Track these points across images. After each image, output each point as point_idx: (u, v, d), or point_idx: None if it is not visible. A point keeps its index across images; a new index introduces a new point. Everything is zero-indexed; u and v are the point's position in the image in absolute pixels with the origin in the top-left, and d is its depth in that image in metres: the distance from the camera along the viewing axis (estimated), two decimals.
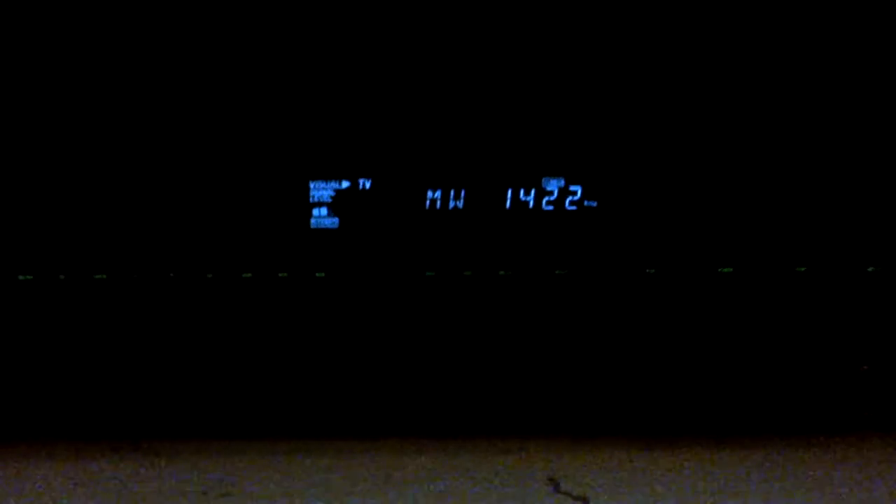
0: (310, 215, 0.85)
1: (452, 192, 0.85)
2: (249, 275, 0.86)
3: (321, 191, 0.85)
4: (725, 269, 0.87)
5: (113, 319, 0.86)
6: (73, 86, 0.82)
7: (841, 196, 0.86)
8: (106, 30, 0.82)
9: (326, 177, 0.85)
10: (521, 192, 0.85)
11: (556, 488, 0.84)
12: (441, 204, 0.85)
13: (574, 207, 0.86)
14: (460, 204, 0.85)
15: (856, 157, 0.85)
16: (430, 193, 0.85)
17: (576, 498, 0.83)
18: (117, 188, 0.84)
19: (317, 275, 0.86)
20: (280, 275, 0.86)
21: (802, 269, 0.87)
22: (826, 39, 0.84)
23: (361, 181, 0.85)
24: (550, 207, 0.86)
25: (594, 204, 0.86)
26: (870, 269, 0.87)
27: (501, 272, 0.86)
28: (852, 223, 0.86)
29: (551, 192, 0.85)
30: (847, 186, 0.85)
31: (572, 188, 0.85)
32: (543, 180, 0.85)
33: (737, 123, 0.84)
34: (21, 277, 0.85)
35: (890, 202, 0.86)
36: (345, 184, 0.85)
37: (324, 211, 0.85)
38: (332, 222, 0.85)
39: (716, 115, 0.84)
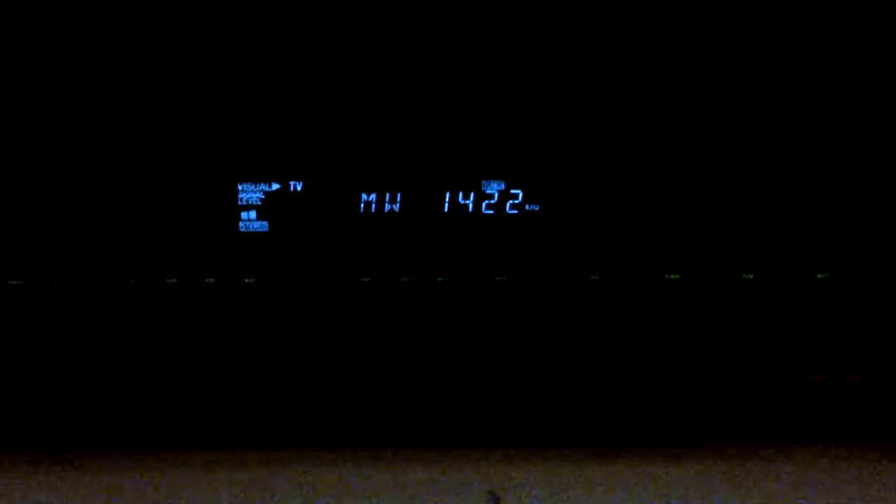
0: (238, 219, 0.81)
1: (388, 195, 0.82)
2: (174, 280, 0.82)
3: (250, 193, 0.81)
4: (672, 276, 0.84)
5: (31, 327, 0.81)
6: None
7: (792, 201, 0.83)
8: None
9: (255, 179, 0.81)
10: (460, 195, 0.82)
11: (497, 502, 0.81)
12: (376, 207, 0.82)
13: (515, 211, 0.82)
14: (396, 207, 0.82)
15: (806, 161, 0.82)
16: (364, 196, 0.82)
17: None
18: (28, 190, 0.79)
19: (246, 280, 0.82)
20: (207, 280, 0.82)
21: (750, 276, 0.84)
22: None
23: (293, 183, 0.81)
24: (491, 211, 0.82)
25: (536, 208, 0.82)
26: (819, 277, 0.84)
27: (439, 278, 0.83)
28: (802, 229, 0.83)
29: (491, 196, 0.82)
30: (797, 191, 0.83)
31: (513, 191, 0.82)
32: (483, 183, 0.82)
33: (687, 122, 0.81)
34: None
35: (836, 208, 0.83)
36: (275, 186, 0.81)
37: (253, 214, 0.81)
38: (262, 226, 0.82)
39: (665, 113, 0.81)
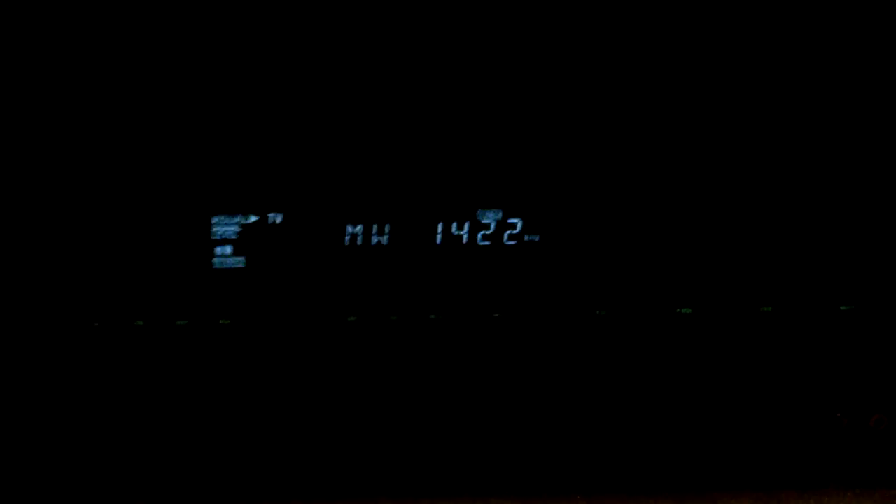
0: (212, 254, 0.74)
1: (375, 227, 0.75)
2: (142, 323, 0.75)
3: (225, 226, 0.74)
4: (684, 310, 0.77)
5: None
6: None
7: (810, 228, 0.76)
8: None
9: (231, 210, 0.74)
10: (454, 225, 0.75)
11: None
12: (363, 240, 0.75)
13: (513, 242, 0.76)
14: (384, 240, 0.75)
15: (826, 190, 0.76)
16: (349, 228, 0.75)
17: None
18: None
19: (221, 322, 0.75)
20: (178, 322, 0.75)
21: (768, 308, 0.77)
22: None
23: (271, 216, 0.74)
24: (487, 242, 0.76)
25: (536, 238, 0.76)
26: (843, 308, 0.78)
27: (432, 316, 0.76)
28: (822, 259, 0.77)
29: (487, 226, 0.75)
30: (817, 216, 0.76)
31: (511, 221, 0.75)
32: (479, 212, 0.75)
33: (701, 143, 0.75)
34: None
35: (859, 236, 0.77)
36: (252, 218, 0.74)
37: (228, 249, 0.74)
38: (238, 262, 0.75)
39: (676, 134, 0.75)
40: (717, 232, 0.76)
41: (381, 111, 0.73)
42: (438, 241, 0.75)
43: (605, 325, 0.76)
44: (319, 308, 0.75)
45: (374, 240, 0.75)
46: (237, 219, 0.74)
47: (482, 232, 0.75)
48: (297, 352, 0.75)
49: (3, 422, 0.74)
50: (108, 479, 0.77)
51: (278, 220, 0.74)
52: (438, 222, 0.75)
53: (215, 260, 0.74)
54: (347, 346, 0.76)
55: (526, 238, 0.75)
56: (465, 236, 0.75)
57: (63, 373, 0.75)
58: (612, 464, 0.79)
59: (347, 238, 0.75)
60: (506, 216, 0.75)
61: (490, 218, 0.75)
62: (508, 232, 0.75)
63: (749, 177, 0.75)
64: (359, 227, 0.74)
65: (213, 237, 0.74)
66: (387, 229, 0.74)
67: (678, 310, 0.77)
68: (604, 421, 0.78)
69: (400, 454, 0.78)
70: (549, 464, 0.79)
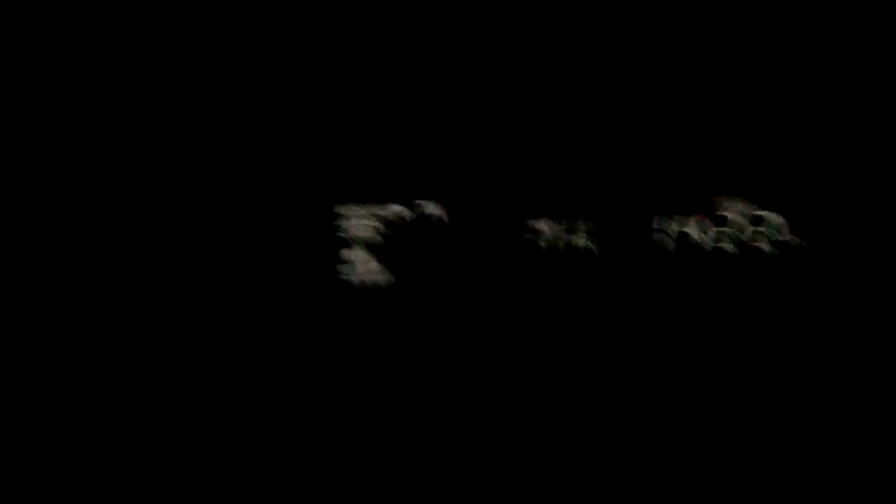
0: (337, 259, 0.52)
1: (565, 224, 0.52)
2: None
3: (357, 220, 0.51)
4: None
5: None
6: None
7: None
8: None
9: (366, 198, 0.51)
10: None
11: None
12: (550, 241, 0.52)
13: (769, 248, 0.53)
14: (583, 242, 0.52)
15: None
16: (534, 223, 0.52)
17: None
18: None
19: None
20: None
21: None
22: None
23: (422, 204, 0.51)
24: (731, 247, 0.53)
25: (801, 243, 0.52)
26: None
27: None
28: None
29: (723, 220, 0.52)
30: None
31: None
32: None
33: None
34: None
35: None
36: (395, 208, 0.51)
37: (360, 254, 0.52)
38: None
39: None
40: None
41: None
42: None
43: None
44: (488, 344, 0.53)
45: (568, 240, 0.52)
46: (374, 209, 0.51)
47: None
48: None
49: None
50: None
51: (434, 211, 0.51)
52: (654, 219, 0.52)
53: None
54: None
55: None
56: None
57: None
58: None
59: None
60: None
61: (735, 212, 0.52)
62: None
63: None
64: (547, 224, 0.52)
65: (337, 234, 0.51)
66: (587, 227, 0.52)
67: None
68: None
69: None
70: None
